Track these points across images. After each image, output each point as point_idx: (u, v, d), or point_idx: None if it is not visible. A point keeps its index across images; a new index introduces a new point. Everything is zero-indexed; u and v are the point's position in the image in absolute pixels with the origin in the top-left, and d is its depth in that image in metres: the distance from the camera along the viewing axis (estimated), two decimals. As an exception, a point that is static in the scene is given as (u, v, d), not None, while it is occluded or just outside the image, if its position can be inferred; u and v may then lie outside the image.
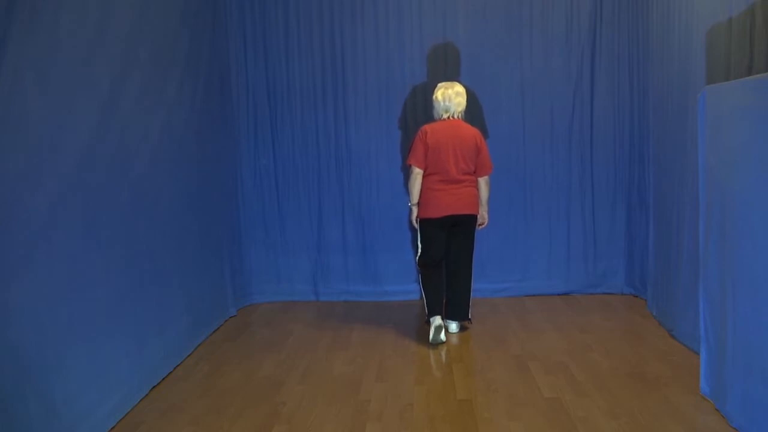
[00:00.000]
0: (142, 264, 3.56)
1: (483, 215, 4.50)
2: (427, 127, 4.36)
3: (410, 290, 5.32)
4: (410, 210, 4.49)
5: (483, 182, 4.41)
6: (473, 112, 5.25)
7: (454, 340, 4.43)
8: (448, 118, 4.37)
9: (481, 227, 4.57)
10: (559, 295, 5.41)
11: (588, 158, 5.35)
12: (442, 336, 4.31)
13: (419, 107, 5.25)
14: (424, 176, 4.34)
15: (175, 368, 3.92)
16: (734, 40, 3.32)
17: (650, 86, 4.76)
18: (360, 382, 3.69)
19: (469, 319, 4.59)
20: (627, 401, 3.31)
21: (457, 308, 4.51)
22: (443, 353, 4.18)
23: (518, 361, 3.95)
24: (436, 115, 4.44)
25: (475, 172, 4.37)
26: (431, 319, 4.40)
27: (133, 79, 3.53)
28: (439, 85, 4.46)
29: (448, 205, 4.30)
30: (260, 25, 5.30)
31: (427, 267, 4.47)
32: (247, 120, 5.38)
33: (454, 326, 4.53)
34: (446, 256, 4.49)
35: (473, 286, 4.59)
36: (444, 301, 4.52)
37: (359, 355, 4.16)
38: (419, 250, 4.49)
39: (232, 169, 5.25)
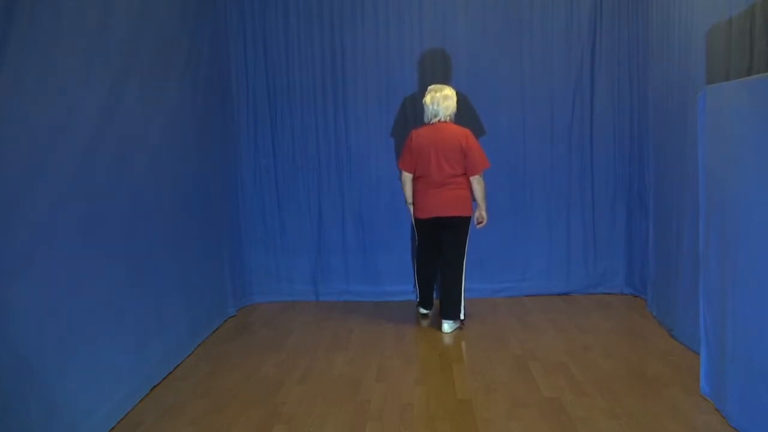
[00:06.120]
0: (142, 264, 3.56)
1: (481, 214, 4.60)
2: (414, 132, 4.58)
3: (410, 290, 5.31)
4: (407, 209, 4.79)
5: (475, 182, 4.49)
6: (472, 112, 5.26)
7: (449, 340, 4.44)
8: (438, 122, 4.47)
9: (480, 226, 4.62)
10: (559, 295, 5.41)
11: (588, 158, 5.36)
12: (423, 323, 4.80)
13: (419, 107, 5.23)
14: (414, 178, 4.56)
15: (175, 368, 3.92)
16: (734, 40, 3.32)
17: (650, 86, 4.76)
18: (360, 382, 3.69)
19: (462, 320, 4.61)
20: (627, 401, 3.31)
21: (446, 307, 4.57)
22: (443, 353, 4.18)
23: (518, 361, 3.95)
24: (425, 119, 4.59)
25: (465, 173, 4.46)
26: (418, 308, 4.93)
27: (132, 80, 3.52)
28: (429, 88, 4.61)
29: (431, 208, 4.52)
30: (260, 25, 5.30)
31: (419, 261, 4.80)
32: (247, 120, 5.38)
33: (446, 326, 4.56)
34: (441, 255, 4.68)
35: (466, 286, 4.65)
36: (432, 295, 4.87)
37: (359, 355, 4.16)
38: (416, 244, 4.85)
39: (232, 170, 5.25)
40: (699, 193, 3.35)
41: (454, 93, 4.56)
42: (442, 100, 4.47)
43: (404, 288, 5.38)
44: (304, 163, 5.41)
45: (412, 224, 4.96)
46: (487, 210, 4.63)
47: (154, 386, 3.64)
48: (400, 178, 4.73)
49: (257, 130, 5.40)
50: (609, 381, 3.59)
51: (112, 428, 3.15)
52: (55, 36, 2.82)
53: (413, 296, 5.19)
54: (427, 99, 4.52)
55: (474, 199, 4.56)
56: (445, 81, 5.09)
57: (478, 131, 5.05)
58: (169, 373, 3.84)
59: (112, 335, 3.24)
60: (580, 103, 5.32)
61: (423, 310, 4.90)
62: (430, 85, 4.71)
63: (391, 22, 5.30)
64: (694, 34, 3.85)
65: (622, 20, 5.20)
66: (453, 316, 4.56)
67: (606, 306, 5.10)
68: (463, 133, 4.46)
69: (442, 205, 4.48)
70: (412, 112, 5.28)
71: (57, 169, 2.83)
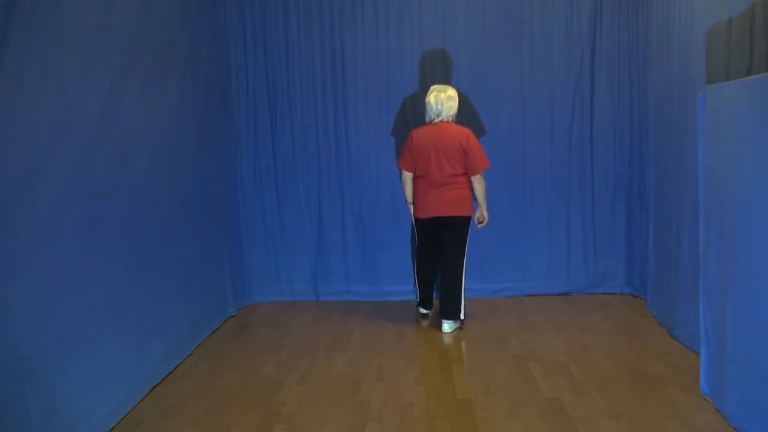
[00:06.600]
0: (142, 264, 3.56)
1: (482, 213, 4.61)
2: (414, 132, 4.59)
3: (410, 290, 5.31)
4: (407, 208, 4.77)
5: (476, 181, 4.50)
6: (472, 112, 5.26)
7: (449, 340, 4.44)
8: (440, 122, 4.47)
9: (481, 225, 4.62)
10: (559, 295, 5.41)
11: (588, 158, 5.36)
12: (423, 323, 4.80)
13: (419, 107, 5.24)
14: (415, 178, 4.55)
15: (175, 368, 3.92)
16: (734, 40, 3.32)
17: (650, 86, 4.76)
18: (360, 382, 3.69)
19: (462, 320, 4.61)
20: (627, 401, 3.31)
21: (446, 307, 4.57)
22: (443, 353, 4.18)
23: (518, 361, 3.95)
24: (427, 118, 4.60)
25: (466, 173, 4.47)
26: (418, 308, 4.92)
27: (133, 80, 3.52)
28: (432, 88, 4.61)
29: (431, 207, 4.52)
30: (260, 25, 5.30)
31: (419, 261, 4.79)
32: (247, 120, 5.38)
33: (446, 326, 4.56)
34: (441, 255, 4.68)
35: (466, 286, 4.65)
36: (432, 295, 4.85)
37: (359, 355, 4.16)
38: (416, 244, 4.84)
39: (232, 169, 5.25)
40: (699, 193, 3.35)
41: (457, 94, 4.58)
42: (446, 100, 4.48)
43: (404, 288, 5.38)
44: (304, 163, 5.41)
45: (412, 224, 4.96)
46: (488, 209, 4.64)
47: (154, 386, 3.64)
48: (400, 178, 4.74)
49: (257, 130, 5.40)
50: (609, 381, 3.59)
51: (112, 428, 3.15)
52: (55, 36, 2.82)
53: (413, 296, 5.19)
54: (431, 98, 4.52)
55: (475, 199, 4.56)
56: (446, 81, 5.08)
57: (478, 131, 5.04)
58: (169, 373, 3.84)
59: (112, 335, 3.24)
60: (580, 103, 5.32)
61: (423, 310, 4.90)
62: (430, 85, 4.71)
63: (391, 22, 5.30)
64: (694, 34, 3.85)
65: (622, 20, 5.20)
66: (453, 316, 4.56)
67: (606, 306, 5.10)
68: (464, 132, 4.47)
69: (442, 205, 4.49)
70: (412, 112, 5.28)
71: (57, 169, 2.84)
